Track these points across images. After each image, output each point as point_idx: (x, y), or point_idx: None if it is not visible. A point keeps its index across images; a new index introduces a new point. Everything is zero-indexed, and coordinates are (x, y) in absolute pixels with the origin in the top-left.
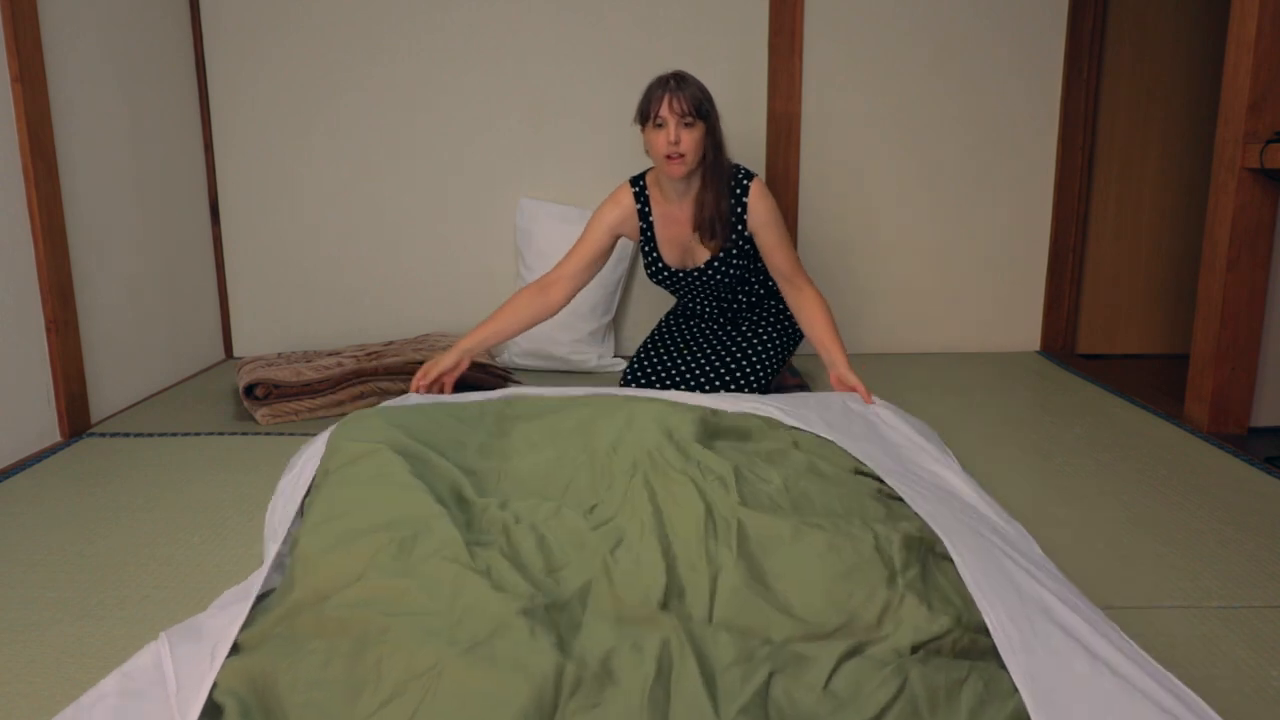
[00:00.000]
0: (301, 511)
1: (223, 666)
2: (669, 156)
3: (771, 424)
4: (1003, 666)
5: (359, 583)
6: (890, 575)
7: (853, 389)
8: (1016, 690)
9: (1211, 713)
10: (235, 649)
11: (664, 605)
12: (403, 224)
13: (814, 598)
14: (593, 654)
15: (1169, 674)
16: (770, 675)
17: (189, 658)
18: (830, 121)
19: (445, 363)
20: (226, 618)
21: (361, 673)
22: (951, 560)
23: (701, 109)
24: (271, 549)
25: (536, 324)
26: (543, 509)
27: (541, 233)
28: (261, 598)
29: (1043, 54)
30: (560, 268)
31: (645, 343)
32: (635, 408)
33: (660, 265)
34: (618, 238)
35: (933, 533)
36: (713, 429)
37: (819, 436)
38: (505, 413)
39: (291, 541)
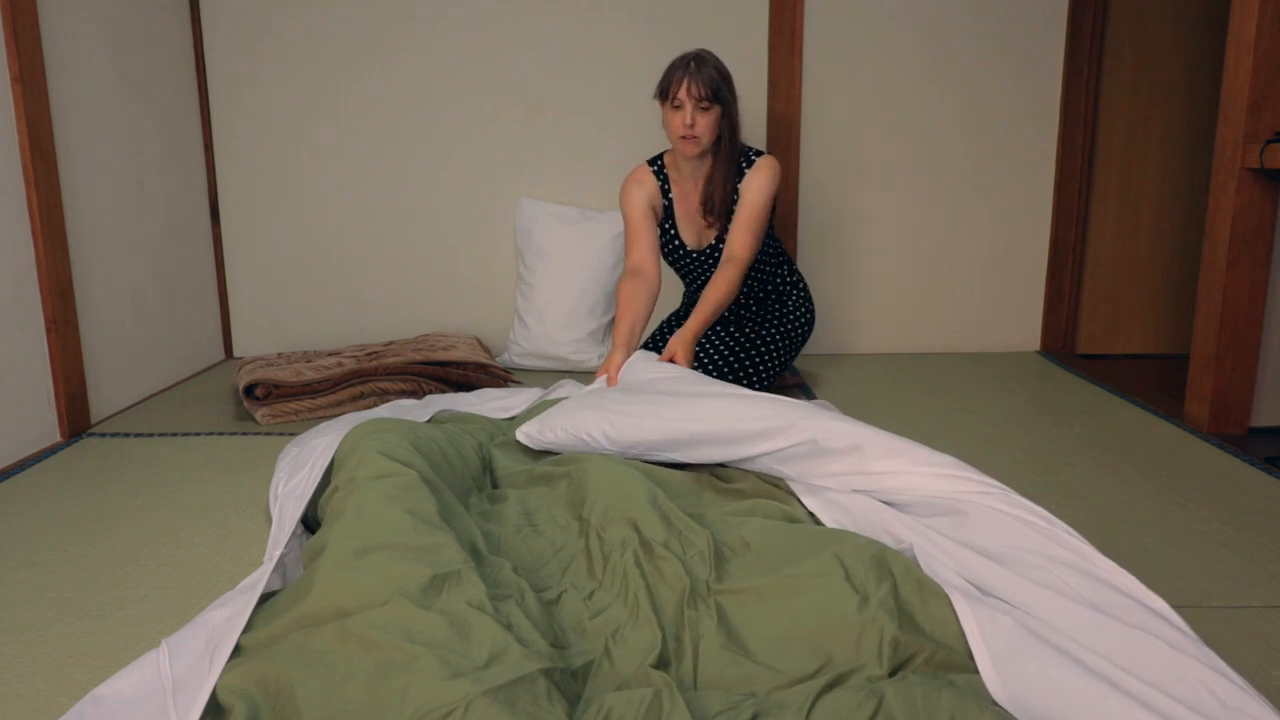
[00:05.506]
0: (309, 509)
1: (227, 668)
2: (684, 137)
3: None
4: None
5: (385, 606)
6: (862, 600)
7: (671, 356)
8: (996, 703)
9: (1251, 699)
10: (237, 649)
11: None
12: (403, 224)
13: (793, 649)
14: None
15: (1162, 650)
16: (755, 715)
17: (187, 659)
18: (830, 122)
19: (616, 359)
20: (228, 618)
21: (385, 696)
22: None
23: (719, 93)
24: (275, 553)
25: (653, 304)
26: (547, 594)
27: (541, 233)
28: (263, 598)
29: (1043, 54)
30: (634, 255)
31: (646, 343)
32: (619, 475)
33: (678, 244)
34: (655, 210)
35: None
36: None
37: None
38: (496, 470)
39: (311, 550)
